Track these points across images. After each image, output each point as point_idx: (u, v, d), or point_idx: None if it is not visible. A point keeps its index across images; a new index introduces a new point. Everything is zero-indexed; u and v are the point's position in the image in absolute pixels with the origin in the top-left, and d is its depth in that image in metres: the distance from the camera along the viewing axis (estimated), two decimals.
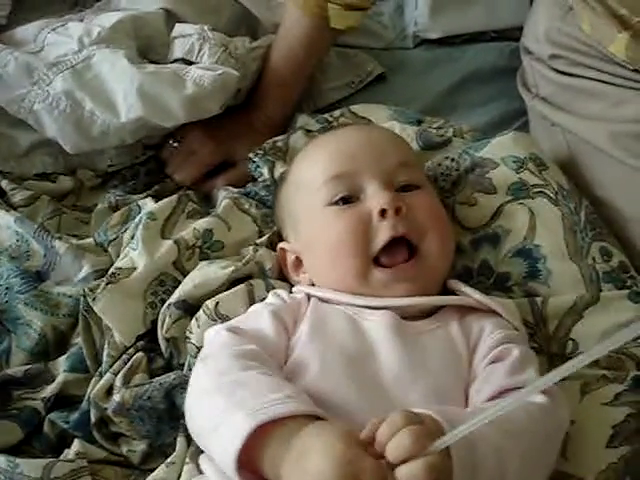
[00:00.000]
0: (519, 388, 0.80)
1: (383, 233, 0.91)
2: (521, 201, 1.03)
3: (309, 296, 0.94)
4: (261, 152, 1.16)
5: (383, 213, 0.91)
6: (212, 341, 0.88)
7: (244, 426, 0.71)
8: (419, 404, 0.80)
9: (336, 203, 0.94)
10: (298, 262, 1.00)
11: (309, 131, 1.20)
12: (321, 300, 0.93)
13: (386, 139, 1.03)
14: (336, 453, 0.67)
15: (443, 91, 1.39)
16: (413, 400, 0.81)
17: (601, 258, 0.99)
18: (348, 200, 0.94)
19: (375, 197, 0.92)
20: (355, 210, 0.93)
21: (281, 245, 1.03)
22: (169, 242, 1.04)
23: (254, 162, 1.16)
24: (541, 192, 1.03)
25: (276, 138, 1.19)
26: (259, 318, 0.90)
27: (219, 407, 0.76)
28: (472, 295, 0.92)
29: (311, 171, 0.99)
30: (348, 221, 0.92)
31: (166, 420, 0.93)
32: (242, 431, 0.71)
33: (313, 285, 0.97)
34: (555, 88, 1.21)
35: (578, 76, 1.16)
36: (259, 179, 1.16)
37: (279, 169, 1.13)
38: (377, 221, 0.91)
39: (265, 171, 1.14)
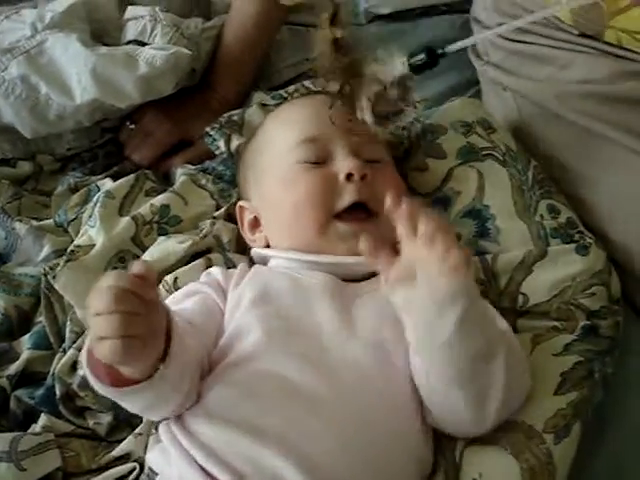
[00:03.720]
0: None
1: (348, 195, 0.94)
2: (470, 164, 1.05)
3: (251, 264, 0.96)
4: (217, 126, 1.17)
5: (349, 177, 0.94)
6: None
7: None
8: (359, 360, 0.83)
9: (305, 163, 0.97)
10: (255, 222, 1.02)
11: (265, 105, 1.21)
12: (264, 264, 0.96)
13: None
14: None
15: None
16: (352, 356, 0.84)
17: (549, 215, 1.01)
18: (317, 163, 0.97)
19: (344, 162, 0.95)
20: (324, 170, 0.96)
21: (240, 203, 1.05)
22: (126, 219, 1.06)
23: (210, 135, 1.17)
24: (489, 154, 1.05)
25: (232, 112, 1.19)
26: (185, 298, 0.92)
27: None
28: None
29: (286, 130, 1.01)
30: (316, 178, 0.95)
31: None
32: None
33: (268, 246, 0.99)
34: (505, 54, 1.23)
35: (526, 42, 1.19)
36: (216, 152, 1.17)
37: (235, 142, 1.15)
38: (343, 183, 0.94)
39: (221, 144, 1.15)
